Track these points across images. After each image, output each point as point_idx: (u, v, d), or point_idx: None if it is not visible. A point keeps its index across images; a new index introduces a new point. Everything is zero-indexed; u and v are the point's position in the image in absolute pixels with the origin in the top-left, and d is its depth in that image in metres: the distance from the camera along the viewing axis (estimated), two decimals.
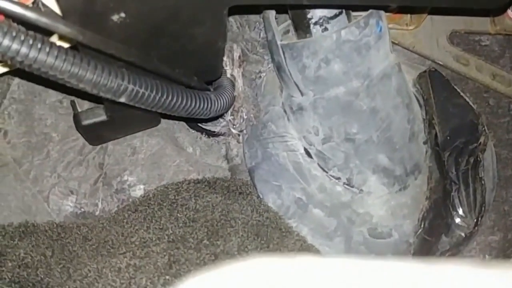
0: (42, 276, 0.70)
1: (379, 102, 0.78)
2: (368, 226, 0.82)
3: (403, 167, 0.82)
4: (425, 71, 0.89)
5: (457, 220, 0.82)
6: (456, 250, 0.83)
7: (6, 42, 0.49)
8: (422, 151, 0.86)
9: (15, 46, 0.50)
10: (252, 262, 0.20)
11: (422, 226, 0.83)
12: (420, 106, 0.87)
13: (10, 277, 0.69)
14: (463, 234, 0.82)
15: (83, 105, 0.88)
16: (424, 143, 0.86)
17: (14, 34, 0.50)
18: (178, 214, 0.79)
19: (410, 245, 0.82)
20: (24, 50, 0.50)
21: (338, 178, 0.82)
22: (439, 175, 0.84)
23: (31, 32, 0.52)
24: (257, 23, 0.91)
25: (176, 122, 0.95)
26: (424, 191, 0.84)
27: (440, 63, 0.96)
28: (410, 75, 0.89)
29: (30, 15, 0.48)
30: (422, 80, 0.89)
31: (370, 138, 0.79)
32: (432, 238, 0.82)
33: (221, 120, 0.91)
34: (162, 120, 0.90)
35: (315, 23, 0.75)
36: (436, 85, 0.88)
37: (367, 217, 0.82)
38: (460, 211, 0.82)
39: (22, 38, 0.51)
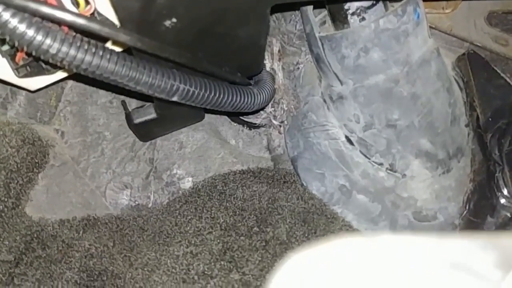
0: (106, 265, 0.76)
1: (419, 87, 0.79)
2: (412, 209, 0.83)
3: (445, 151, 0.83)
4: (464, 54, 0.89)
5: (502, 200, 0.82)
6: (502, 231, 0.84)
7: (72, 52, 0.54)
8: (464, 134, 0.86)
9: (80, 55, 0.54)
10: (340, 242, 0.23)
11: (467, 207, 0.84)
12: (461, 89, 0.88)
13: (78, 266, 0.75)
14: (508, 215, 0.82)
15: (131, 103, 0.93)
16: (466, 125, 0.87)
17: (78, 44, 0.54)
18: (228, 204, 0.83)
19: (456, 227, 0.84)
20: (88, 58, 0.55)
21: (381, 164, 0.84)
22: (482, 157, 0.85)
23: (92, 41, 0.56)
24: (292, 15, 0.93)
25: (219, 116, 0.99)
26: (467, 173, 0.85)
27: (479, 44, 0.95)
28: (449, 58, 0.89)
29: (94, 26, 0.52)
30: (461, 63, 0.89)
31: (411, 123, 0.80)
32: (478, 219, 0.83)
33: (261, 112, 0.94)
34: (206, 115, 0.94)
35: (353, 14, 0.76)
36: (475, 67, 0.88)
37: (412, 201, 0.83)
38: (505, 192, 0.82)
39: (86, 47, 0.55)
